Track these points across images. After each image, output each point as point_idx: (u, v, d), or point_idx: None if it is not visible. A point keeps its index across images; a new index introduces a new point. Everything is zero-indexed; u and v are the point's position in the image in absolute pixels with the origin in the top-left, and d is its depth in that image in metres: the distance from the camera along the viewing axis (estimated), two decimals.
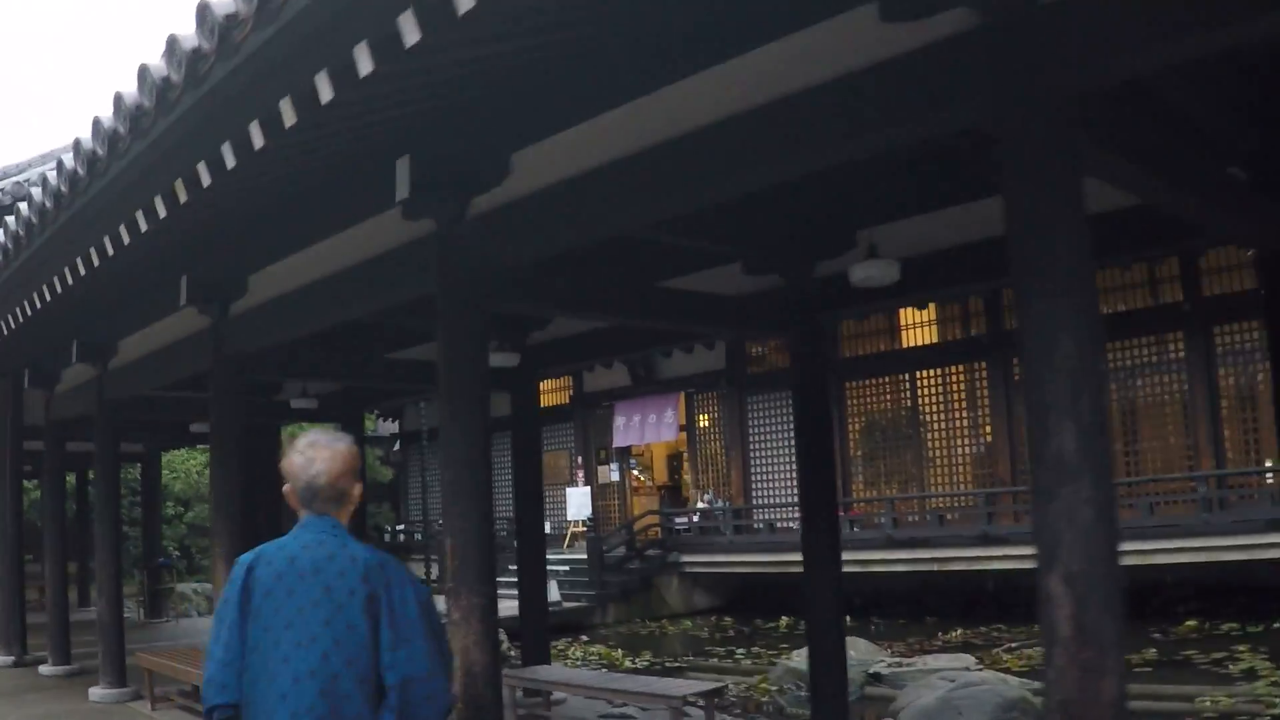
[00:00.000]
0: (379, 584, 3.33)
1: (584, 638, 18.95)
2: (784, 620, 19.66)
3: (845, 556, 18.80)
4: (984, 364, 19.98)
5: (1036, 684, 10.98)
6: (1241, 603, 16.49)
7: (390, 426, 31.11)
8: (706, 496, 23.41)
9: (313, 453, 3.46)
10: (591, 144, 6.09)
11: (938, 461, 20.87)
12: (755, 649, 16.86)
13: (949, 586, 19.07)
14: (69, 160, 7.17)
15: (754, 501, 22.56)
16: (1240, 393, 17.65)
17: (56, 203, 7.60)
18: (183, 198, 6.42)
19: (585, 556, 22.51)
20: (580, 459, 26.33)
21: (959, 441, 20.64)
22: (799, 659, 14.00)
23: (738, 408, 23.07)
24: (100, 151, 6.61)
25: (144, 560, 21.24)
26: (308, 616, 3.26)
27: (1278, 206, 6.67)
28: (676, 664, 15.66)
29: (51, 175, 7.60)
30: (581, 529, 25.68)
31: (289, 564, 3.33)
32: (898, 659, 14.61)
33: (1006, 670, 13.61)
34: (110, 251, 7.63)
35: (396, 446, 30.83)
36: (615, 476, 25.81)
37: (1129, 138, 5.33)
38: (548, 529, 26.80)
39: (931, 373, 20.78)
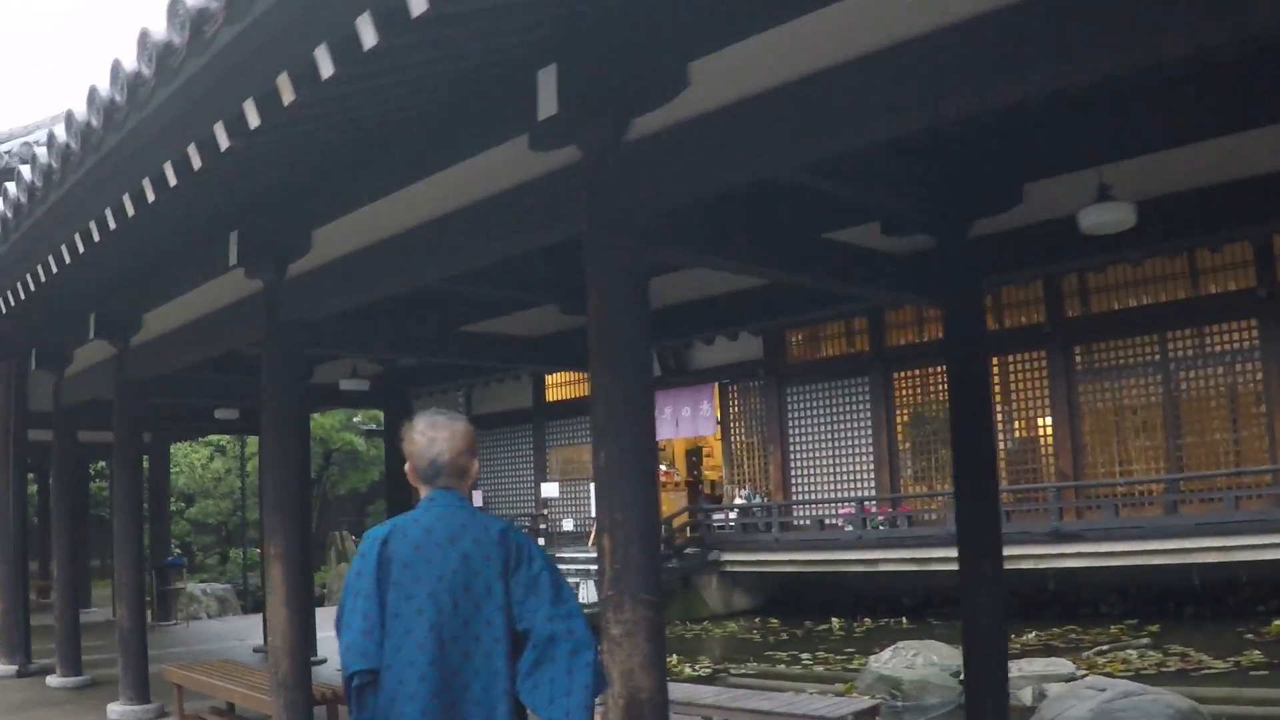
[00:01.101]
0: (510, 549, 3.51)
1: None
2: (835, 622, 18.37)
3: (901, 555, 17.79)
4: (1043, 352, 18.72)
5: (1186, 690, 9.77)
6: None
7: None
8: (744, 492, 22.03)
9: (434, 432, 3.60)
10: (787, 52, 4.76)
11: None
12: (819, 653, 15.52)
13: (1008, 586, 17.78)
14: (81, 112, 5.81)
15: (794, 497, 21.23)
16: None
17: (85, 144, 6.20)
18: (227, 142, 5.06)
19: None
20: None
21: (1016, 434, 19.40)
22: (880, 664, 12.76)
23: (776, 400, 21.71)
24: (119, 99, 5.25)
25: (152, 559, 19.72)
26: (449, 584, 3.41)
27: None
28: (742, 671, 14.27)
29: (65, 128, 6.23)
30: None
31: (425, 535, 3.48)
32: None
33: (1109, 675, 12.42)
34: (149, 199, 6.16)
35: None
36: None
37: None
38: (570, 526, 25.58)
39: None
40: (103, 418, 12.31)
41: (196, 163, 5.32)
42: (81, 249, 7.25)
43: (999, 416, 19.48)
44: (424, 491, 3.62)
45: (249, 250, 7.85)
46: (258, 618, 19.98)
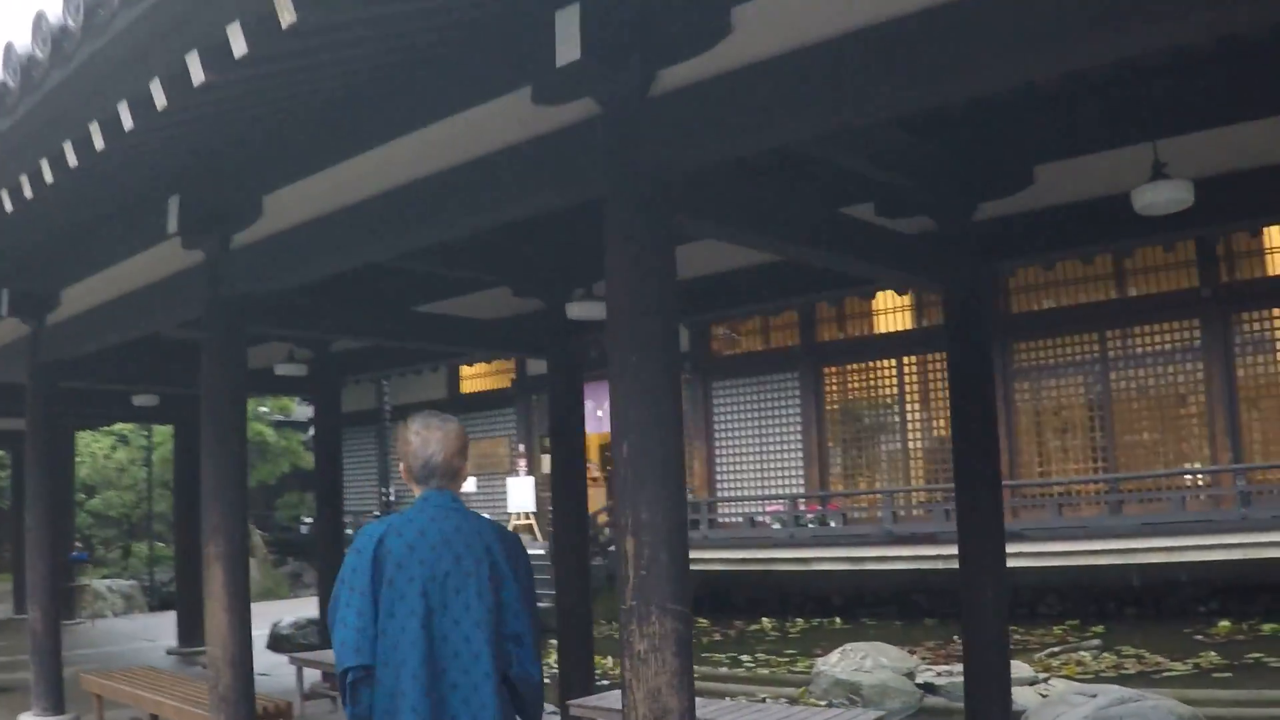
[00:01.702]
0: (500, 553, 3.60)
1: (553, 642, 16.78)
2: (766, 622, 17.83)
3: (836, 553, 17.32)
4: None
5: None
6: (1267, 601, 15.17)
7: (307, 409, 28.45)
8: None
9: (427, 434, 3.71)
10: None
11: (919, 454, 19.24)
12: (759, 654, 14.95)
13: (938, 585, 17.41)
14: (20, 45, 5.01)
15: (719, 494, 20.67)
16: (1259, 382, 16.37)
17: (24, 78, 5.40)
18: (197, 79, 4.31)
19: (540, 553, 20.50)
20: (522, 447, 24.10)
21: (936, 433, 19.03)
22: (830, 667, 12.24)
23: (701, 395, 21.06)
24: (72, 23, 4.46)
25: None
26: (440, 584, 3.48)
27: None
28: None
29: None
30: (525, 523, 23.52)
31: (419, 536, 3.54)
32: (931, 666, 12.91)
33: (1067, 678, 12.08)
34: (74, 161, 5.41)
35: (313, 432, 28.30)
36: None
37: None
38: None
39: (915, 359, 19.12)
40: (5, 404, 11.43)
41: (160, 101, 4.52)
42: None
43: (919, 416, 19.17)
44: (418, 491, 3.71)
45: (191, 217, 7.01)
46: (166, 616, 18.92)
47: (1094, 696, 8.39)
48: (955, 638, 15.38)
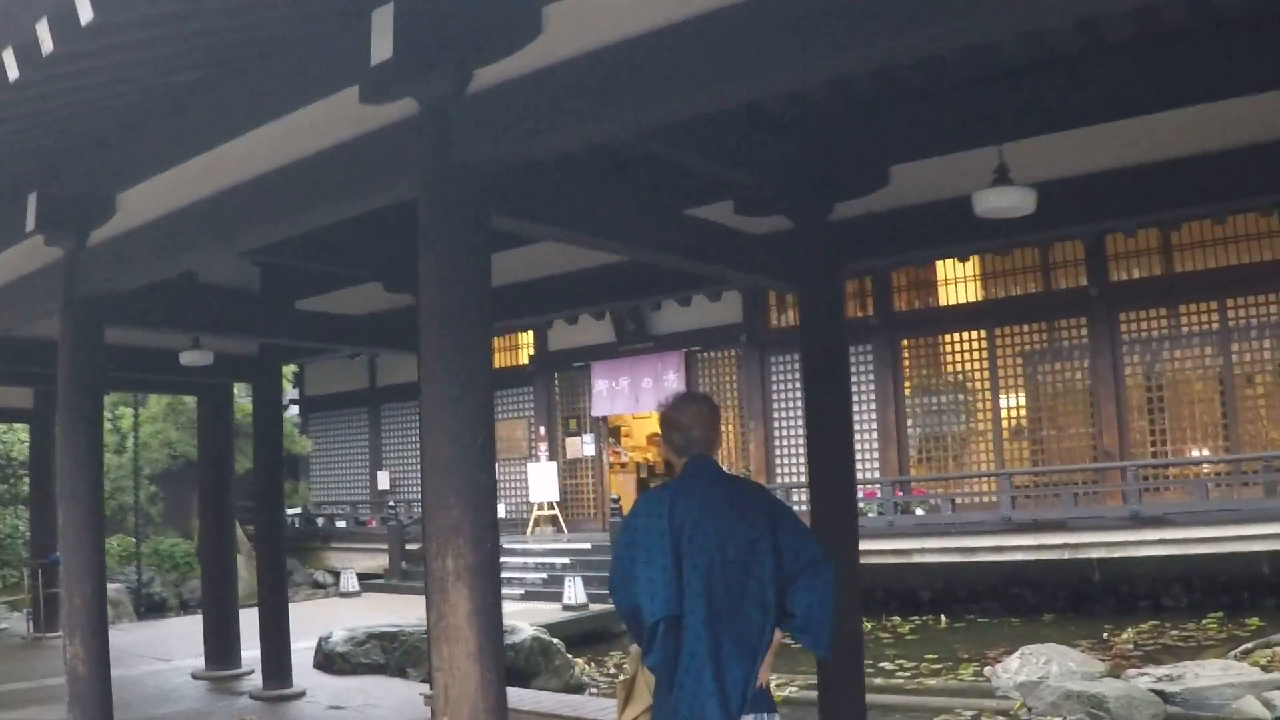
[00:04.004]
0: (770, 503, 4.04)
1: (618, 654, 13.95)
2: (864, 622, 15.27)
3: (944, 544, 14.81)
4: (1083, 320, 16.02)
5: None
6: None
7: (292, 390, 25.26)
8: None
9: (681, 407, 4.11)
10: None
11: (1010, 433, 16.88)
12: (898, 661, 12.40)
13: (1043, 578, 15.05)
14: None
15: (778, 479, 18.02)
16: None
17: None
18: None
19: (587, 546, 17.83)
20: (543, 429, 21.17)
21: (1044, 409, 16.68)
22: (1022, 674, 10.11)
23: (758, 369, 18.48)
24: None
25: (32, 555, 15.16)
26: (736, 536, 3.84)
27: None
28: (814, 684, 11.02)
29: None
30: (547, 513, 20.68)
31: (707, 497, 3.89)
32: (1141, 670, 10.50)
33: None
34: None
35: (293, 412, 25.22)
36: (590, 451, 20.71)
37: None
38: (502, 512, 21.74)
39: (1009, 330, 16.73)
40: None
41: None
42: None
43: (1056, 385, 16.77)
44: (683, 461, 4.05)
45: (413, 41, 4.21)
46: (162, 625, 16.04)
47: None
48: (1105, 634, 13.19)
